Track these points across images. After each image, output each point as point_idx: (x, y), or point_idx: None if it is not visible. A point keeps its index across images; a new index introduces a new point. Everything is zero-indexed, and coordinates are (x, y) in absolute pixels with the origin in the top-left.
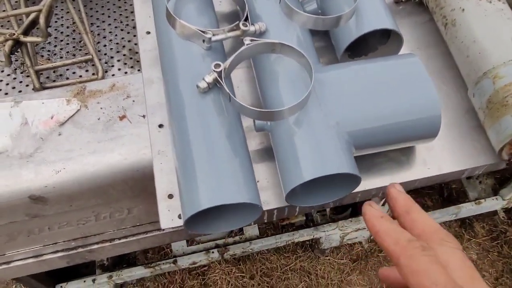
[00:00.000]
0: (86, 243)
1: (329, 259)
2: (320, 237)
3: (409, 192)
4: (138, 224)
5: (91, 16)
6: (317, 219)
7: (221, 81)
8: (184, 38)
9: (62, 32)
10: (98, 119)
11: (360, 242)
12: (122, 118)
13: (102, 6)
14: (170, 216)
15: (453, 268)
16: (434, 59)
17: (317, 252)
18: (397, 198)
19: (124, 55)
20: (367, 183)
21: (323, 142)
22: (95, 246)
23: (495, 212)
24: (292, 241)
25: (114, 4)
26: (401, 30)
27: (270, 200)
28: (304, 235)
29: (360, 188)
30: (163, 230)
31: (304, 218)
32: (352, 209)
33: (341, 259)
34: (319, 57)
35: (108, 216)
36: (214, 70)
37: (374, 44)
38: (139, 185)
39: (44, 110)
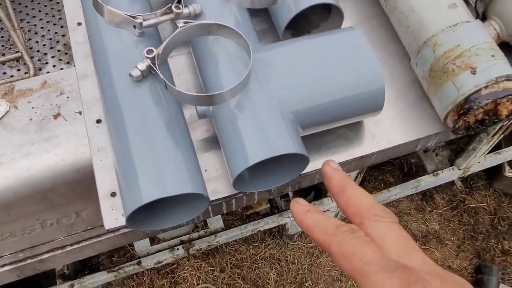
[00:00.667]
0: (35, 253)
1: (297, 244)
2: (286, 223)
3: (371, 169)
4: (89, 228)
5: (20, 11)
6: (281, 205)
7: (155, 68)
8: (114, 25)
9: None
10: (30, 119)
11: None
12: (56, 116)
13: (32, 1)
14: (114, 215)
15: (389, 242)
16: (378, 30)
17: (285, 238)
18: (331, 177)
19: (59, 50)
20: (318, 163)
21: (267, 123)
22: (46, 255)
23: (453, 183)
24: (258, 230)
25: None
26: (343, 4)
27: (220, 189)
28: (269, 223)
29: (311, 168)
30: (108, 230)
31: (269, 205)
32: (315, 192)
33: (310, 243)
34: (263, 40)
35: (55, 222)
36: (146, 57)
37: (316, 21)
38: (82, 186)
39: None
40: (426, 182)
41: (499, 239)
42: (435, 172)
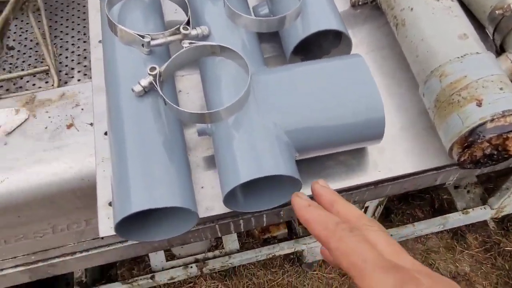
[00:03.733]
0: (47, 257)
1: (317, 274)
2: (302, 250)
3: (399, 202)
4: (99, 236)
5: (55, 29)
6: (299, 231)
7: (155, 85)
8: (125, 43)
9: (25, 46)
10: (46, 128)
11: None
12: (69, 126)
13: (67, 19)
14: (109, 224)
15: (381, 246)
16: (389, 60)
17: (304, 266)
18: (321, 194)
19: (85, 66)
20: None
21: (261, 143)
22: (56, 260)
23: (487, 223)
24: (273, 254)
25: (79, 17)
26: (357, 33)
27: (214, 206)
28: (284, 248)
29: (309, 191)
30: (102, 238)
31: (286, 231)
32: None
33: (330, 274)
34: (275, 65)
35: (65, 228)
36: (149, 74)
37: (326, 47)
38: (87, 194)
39: None
40: (454, 219)
41: None
42: (465, 210)
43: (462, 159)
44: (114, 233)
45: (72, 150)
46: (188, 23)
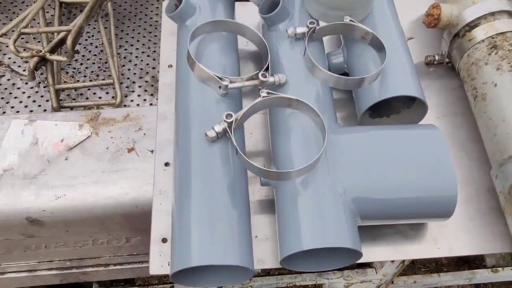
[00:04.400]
0: (81, 264)
1: None
2: (323, 284)
3: None
4: (134, 253)
5: (121, 38)
6: None
7: (230, 133)
8: (201, 81)
9: (90, 51)
10: (107, 148)
11: None
12: (130, 150)
13: (133, 30)
14: (160, 262)
15: None
16: (460, 128)
17: None
18: None
19: (146, 81)
20: (369, 254)
21: (327, 210)
22: (89, 269)
23: None
24: (294, 284)
25: (145, 29)
26: (429, 92)
27: (266, 258)
28: (306, 280)
29: (363, 259)
30: (151, 276)
31: None
32: None
33: None
34: (340, 110)
35: (105, 242)
36: (225, 120)
37: (398, 106)
38: (137, 221)
39: (56, 132)
40: (482, 276)
41: None
42: (495, 268)
43: None
44: (163, 273)
45: (130, 176)
46: (267, 69)
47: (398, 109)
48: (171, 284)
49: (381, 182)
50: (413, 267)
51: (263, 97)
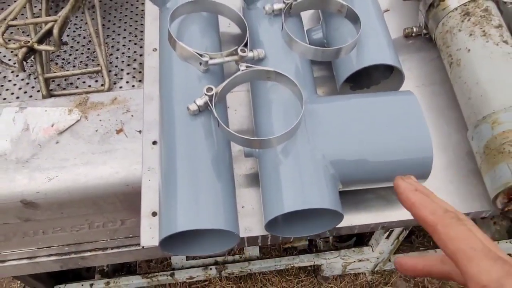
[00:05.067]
0: (79, 249)
1: (331, 287)
2: (321, 264)
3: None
4: (131, 235)
5: (108, 28)
6: (320, 245)
7: (211, 106)
8: (183, 59)
9: (78, 42)
10: (96, 130)
11: (364, 273)
12: (119, 131)
13: (120, 19)
14: (151, 234)
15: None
16: (438, 97)
17: (319, 278)
18: (417, 188)
19: (134, 68)
20: (353, 219)
21: (307, 174)
22: (88, 254)
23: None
24: (292, 265)
25: (131, 18)
26: (408, 64)
27: (253, 227)
28: (304, 261)
29: (345, 223)
30: (143, 247)
31: (307, 242)
32: (357, 239)
33: (345, 287)
34: (322, 87)
35: (101, 225)
36: (205, 94)
37: (377, 77)
38: (129, 200)
39: (46, 118)
40: None
41: None
42: None
43: (507, 209)
44: (154, 244)
45: (120, 156)
46: (245, 45)
47: (378, 80)
48: (172, 271)
49: (358, 146)
50: (411, 246)
51: (242, 70)
